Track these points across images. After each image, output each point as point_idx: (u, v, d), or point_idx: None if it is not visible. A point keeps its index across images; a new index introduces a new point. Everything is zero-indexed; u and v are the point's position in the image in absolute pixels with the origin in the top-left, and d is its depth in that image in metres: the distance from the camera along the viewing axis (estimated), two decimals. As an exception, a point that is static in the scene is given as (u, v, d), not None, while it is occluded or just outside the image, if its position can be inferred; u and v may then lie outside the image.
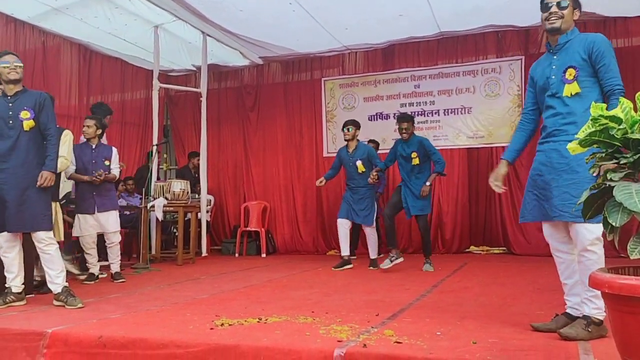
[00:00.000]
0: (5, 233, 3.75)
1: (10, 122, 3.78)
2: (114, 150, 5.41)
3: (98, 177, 5.03)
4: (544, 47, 7.17)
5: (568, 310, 2.74)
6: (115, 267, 5.27)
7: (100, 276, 5.29)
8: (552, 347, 2.39)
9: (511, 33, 7.39)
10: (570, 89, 2.65)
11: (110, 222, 5.21)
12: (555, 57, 2.78)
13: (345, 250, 6.12)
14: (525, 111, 2.99)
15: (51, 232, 3.85)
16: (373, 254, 6.10)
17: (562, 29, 2.74)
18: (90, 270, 5.18)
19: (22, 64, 3.87)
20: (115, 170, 5.31)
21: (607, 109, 1.85)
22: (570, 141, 2.52)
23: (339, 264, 5.99)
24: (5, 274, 3.85)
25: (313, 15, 6.58)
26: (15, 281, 3.82)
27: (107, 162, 5.23)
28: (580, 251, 2.58)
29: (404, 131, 5.70)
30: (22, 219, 3.71)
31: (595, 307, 2.52)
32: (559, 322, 2.69)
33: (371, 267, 5.93)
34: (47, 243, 3.78)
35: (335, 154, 6.66)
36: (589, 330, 2.49)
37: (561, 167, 2.64)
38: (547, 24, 2.76)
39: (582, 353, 2.27)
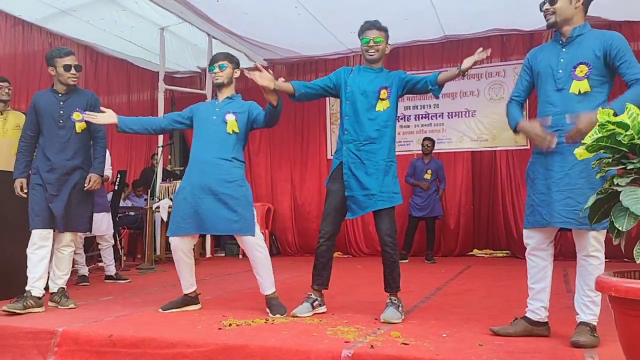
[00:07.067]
0: (40, 230, 3.60)
1: (61, 121, 3.73)
2: (107, 152, 5.37)
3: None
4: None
5: (528, 315, 2.70)
6: (111, 270, 5.25)
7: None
8: (557, 350, 2.41)
9: (516, 37, 7.43)
10: (579, 86, 2.54)
11: (103, 223, 5.16)
12: (564, 49, 2.65)
13: (189, 286, 3.58)
14: (514, 97, 2.82)
15: (76, 235, 3.85)
16: (268, 285, 3.53)
17: (559, 23, 2.64)
18: (81, 272, 5.06)
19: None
20: (108, 172, 5.25)
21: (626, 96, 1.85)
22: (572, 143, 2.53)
23: (170, 304, 3.54)
24: (28, 274, 3.58)
25: (318, 19, 6.62)
26: (37, 283, 3.57)
27: None
28: (583, 256, 2.55)
29: (372, 46, 3.38)
30: (67, 219, 3.68)
31: (592, 314, 2.52)
32: (518, 327, 2.67)
33: (276, 314, 3.35)
34: (67, 244, 3.77)
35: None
36: (595, 335, 2.49)
37: (563, 171, 2.54)
38: (546, 21, 2.71)
39: (587, 356, 2.29)
